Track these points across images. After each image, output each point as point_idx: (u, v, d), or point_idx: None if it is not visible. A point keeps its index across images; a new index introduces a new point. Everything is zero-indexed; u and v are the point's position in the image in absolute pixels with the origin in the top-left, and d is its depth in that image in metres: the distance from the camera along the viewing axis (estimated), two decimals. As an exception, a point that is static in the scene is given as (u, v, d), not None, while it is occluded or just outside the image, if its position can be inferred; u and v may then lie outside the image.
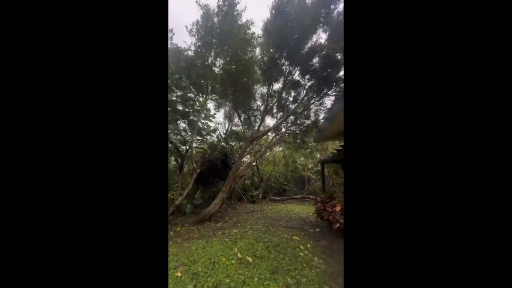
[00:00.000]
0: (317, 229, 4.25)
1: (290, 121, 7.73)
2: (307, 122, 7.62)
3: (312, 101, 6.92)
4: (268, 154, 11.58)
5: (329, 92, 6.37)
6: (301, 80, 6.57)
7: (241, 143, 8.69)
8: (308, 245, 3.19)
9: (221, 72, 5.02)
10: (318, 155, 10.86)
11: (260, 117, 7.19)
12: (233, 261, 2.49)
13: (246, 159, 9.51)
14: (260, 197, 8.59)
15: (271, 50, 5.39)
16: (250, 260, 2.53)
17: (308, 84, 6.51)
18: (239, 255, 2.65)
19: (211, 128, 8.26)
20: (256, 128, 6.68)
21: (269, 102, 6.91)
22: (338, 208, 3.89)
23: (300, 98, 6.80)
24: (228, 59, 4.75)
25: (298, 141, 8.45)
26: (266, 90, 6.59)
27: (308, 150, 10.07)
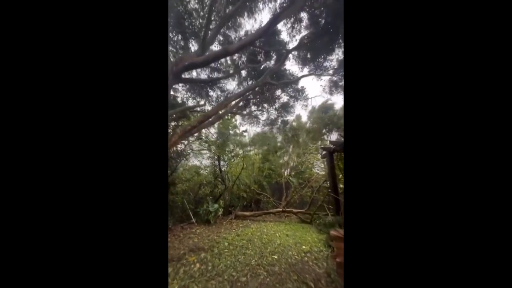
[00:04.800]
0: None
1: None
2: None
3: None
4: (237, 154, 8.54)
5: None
6: None
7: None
8: None
9: None
10: (300, 155, 8.32)
11: (202, 34, 3.64)
12: None
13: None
14: (220, 213, 5.62)
15: None
16: None
17: None
18: None
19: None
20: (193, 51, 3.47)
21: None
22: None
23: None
24: None
25: (280, 124, 5.57)
26: None
27: (287, 137, 7.08)
